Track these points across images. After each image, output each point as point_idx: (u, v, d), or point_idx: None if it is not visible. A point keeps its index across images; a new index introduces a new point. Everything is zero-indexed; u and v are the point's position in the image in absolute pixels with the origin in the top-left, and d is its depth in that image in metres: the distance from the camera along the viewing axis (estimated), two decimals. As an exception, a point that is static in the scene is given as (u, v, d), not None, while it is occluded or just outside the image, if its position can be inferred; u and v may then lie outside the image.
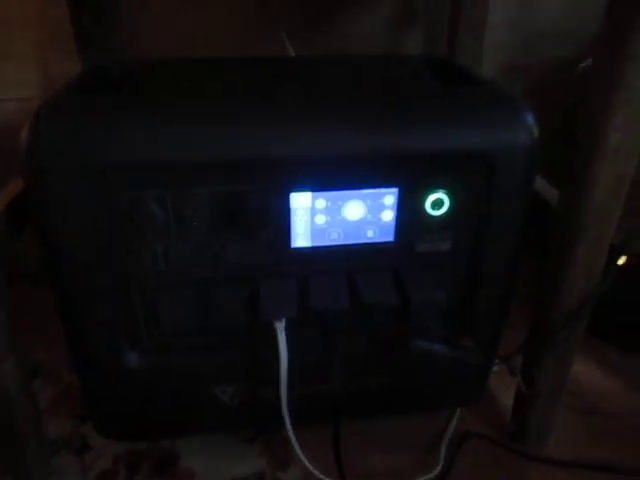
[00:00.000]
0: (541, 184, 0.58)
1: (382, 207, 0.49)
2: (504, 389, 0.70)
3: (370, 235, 0.50)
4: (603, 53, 0.45)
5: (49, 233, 0.44)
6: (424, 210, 0.50)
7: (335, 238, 0.50)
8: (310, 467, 0.54)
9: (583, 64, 0.80)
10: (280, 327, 0.49)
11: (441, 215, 0.50)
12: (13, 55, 0.78)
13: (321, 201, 0.48)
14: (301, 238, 0.49)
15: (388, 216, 0.50)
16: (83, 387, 0.55)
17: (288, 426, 0.52)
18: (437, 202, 0.50)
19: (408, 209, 0.50)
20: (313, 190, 0.47)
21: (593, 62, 0.47)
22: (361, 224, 0.50)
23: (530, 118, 0.48)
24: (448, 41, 0.80)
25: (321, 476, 0.55)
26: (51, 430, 0.65)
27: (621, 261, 0.55)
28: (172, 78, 0.56)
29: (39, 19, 0.75)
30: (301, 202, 0.48)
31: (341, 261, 0.51)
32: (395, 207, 0.49)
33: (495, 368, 0.62)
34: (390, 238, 0.51)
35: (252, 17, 0.79)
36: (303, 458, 0.53)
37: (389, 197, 0.49)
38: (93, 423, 0.59)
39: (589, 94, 0.47)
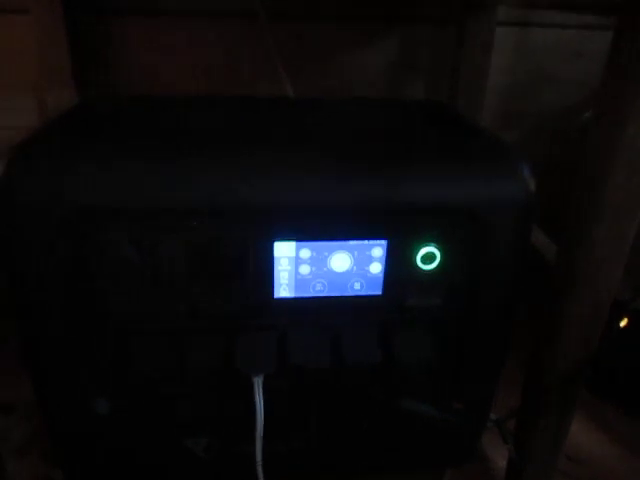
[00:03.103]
0: (538, 237, 0.55)
1: (370, 259, 0.47)
2: (498, 449, 0.66)
3: (357, 288, 0.48)
4: (603, 111, 0.44)
5: (17, 275, 0.42)
6: (414, 264, 0.47)
7: (320, 289, 0.48)
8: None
9: (587, 114, 0.79)
10: (258, 382, 0.47)
11: (432, 270, 0.48)
12: (9, 84, 0.78)
13: (306, 251, 0.46)
14: (284, 288, 0.47)
15: (376, 269, 0.48)
16: (51, 433, 0.52)
17: (262, 484, 0.49)
18: (428, 256, 0.47)
19: (397, 262, 0.47)
20: (298, 240, 0.45)
21: (593, 119, 0.45)
22: (348, 276, 0.48)
23: (526, 170, 0.46)
24: (449, 86, 0.79)
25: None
26: (21, 470, 0.62)
27: (623, 323, 0.52)
28: (159, 118, 0.55)
29: (40, 50, 0.75)
30: (285, 251, 0.46)
31: (326, 314, 0.48)
32: (384, 260, 0.47)
33: (489, 426, 0.59)
34: (378, 292, 0.48)
35: (252, 56, 0.79)
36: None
37: (377, 249, 0.47)
38: (62, 469, 0.56)
39: (589, 151, 0.45)
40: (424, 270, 0.48)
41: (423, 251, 0.47)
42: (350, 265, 0.47)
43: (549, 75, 0.86)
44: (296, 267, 0.46)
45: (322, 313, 0.48)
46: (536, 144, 0.88)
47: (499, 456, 0.65)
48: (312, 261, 0.46)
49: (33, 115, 0.80)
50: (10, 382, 0.69)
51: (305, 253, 0.46)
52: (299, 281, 0.47)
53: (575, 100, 0.86)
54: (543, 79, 0.86)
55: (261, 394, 0.47)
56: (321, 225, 0.45)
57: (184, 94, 0.63)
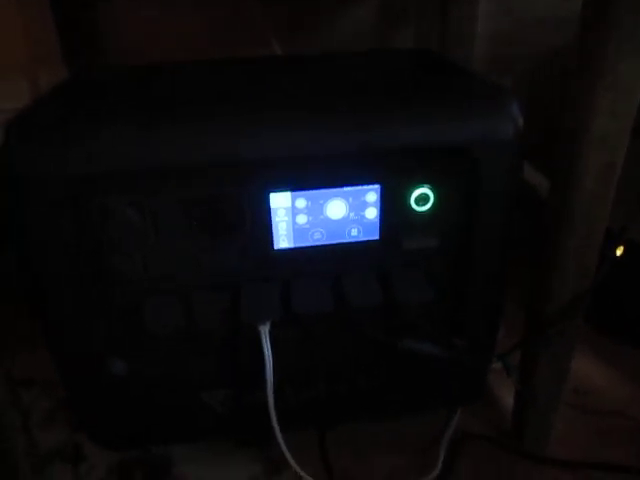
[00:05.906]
0: (531, 174, 0.56)
1: (365, 205, 0.48)
2: (506, 387, 0.68)
3: (354, 234, 0.49)
4: (586, 36, 0.44)
5: (26, 244, 0.43)
6: (409, 206, 0.48)
7: (318, 238, 0.49)
8: (301, 472, 0.53)
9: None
10: (264, 330, 0.48)
11: (427, 211, 0.49)
12: (2, 68, 0.78)
13: (301, 200, 0.47)
14: (283, 239, 0.48)
15: (372, 214, 0.49)
16: (71, 397, 0.54)
17: (276, 430, 0.51)
18: (422, 197, 0.48)
19: (392, 206, 0.48)
20: (293, 189, 0.46)
21: (577, 45, 0.45)
22: (344, 223, 0.49)
23: (515, 108, 0.47)
24: (439, 34, 0.78)
25: (313, 480, 0.54)
26: (46, 440, 0.65)
27: (619, 252, 0.53)
28: (151, 83, 0.56)
29: (27, 31, 0.76)
30: (281, 202, 0.47)
31: (325, 261, 0.50)
32: (378, 204, 0.48)
33: (495, 366, 0.61)
34: (375, 236, 0.49)
35: (238, 18, 0.78)
36: (293, 463, 0.52)
37: (371, 194, 0.48)
38: (85, 432, 0.58)
39: (573, 78, 0.45)
40: (419, 212, 0.49)
41: (417, 193, 0.48)
42: (346, 212, 0.48)
43: (536, 17, 0.85)
44: (293, 217, 0.47)
45: (322, 261, 0.49)
46: (530, 85, 0.88)
47: (507, 394, 0.67)
48: (308, 210, 0.47)
49: (26, 96, 0.80)
50: (28, 359, 0.72)
51: (301, 203, 0.47)
52: (297, 231, 0.48)
53: (563, 40, 0.85)
54: (531, 21, 0.85)
55: (269, 342, 0.48)
56: (314, 173, 0.46)
57: (169, 61, 0.64)
